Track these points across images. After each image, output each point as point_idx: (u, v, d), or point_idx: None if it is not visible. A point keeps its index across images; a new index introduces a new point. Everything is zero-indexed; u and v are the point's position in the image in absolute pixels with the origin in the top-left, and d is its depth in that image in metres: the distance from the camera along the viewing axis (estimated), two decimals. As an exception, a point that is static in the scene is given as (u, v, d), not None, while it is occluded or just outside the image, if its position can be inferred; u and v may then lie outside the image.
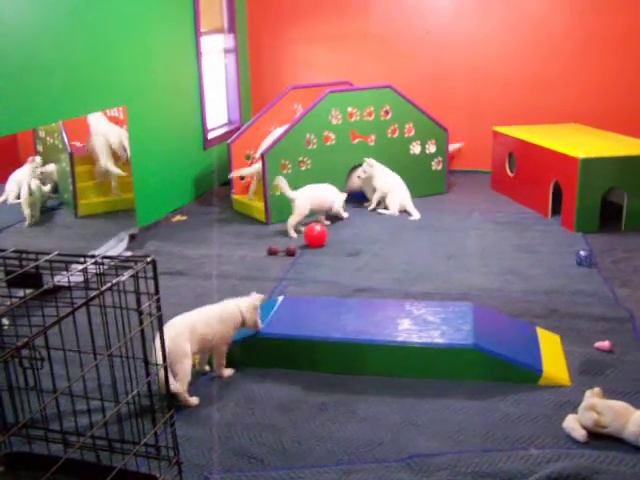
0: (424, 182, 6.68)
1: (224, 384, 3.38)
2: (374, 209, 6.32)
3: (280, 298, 3.97)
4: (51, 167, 5.08)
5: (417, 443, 2.87)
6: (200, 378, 3.43)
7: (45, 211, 5.07)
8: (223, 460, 2.80)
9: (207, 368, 3.50)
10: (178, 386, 3.12)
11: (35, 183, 4.83)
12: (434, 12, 7.47)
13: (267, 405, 3.20)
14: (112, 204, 5.61)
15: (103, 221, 5.53)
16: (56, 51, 4.78)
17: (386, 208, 6.26)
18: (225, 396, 3.28)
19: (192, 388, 3.28)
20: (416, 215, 6.11)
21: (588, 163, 5.38)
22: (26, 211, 4.77)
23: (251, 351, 3.54)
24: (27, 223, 4.81)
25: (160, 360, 2.46)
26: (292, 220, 5.68)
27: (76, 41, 5.00)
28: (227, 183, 6.69)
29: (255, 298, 3.50)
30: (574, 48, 7.20)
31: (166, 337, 2.98)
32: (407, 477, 2.65)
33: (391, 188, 6.24)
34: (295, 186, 5.96)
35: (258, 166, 6.09)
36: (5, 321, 2.78)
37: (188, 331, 3.21)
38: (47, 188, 5.02)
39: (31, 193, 4.78)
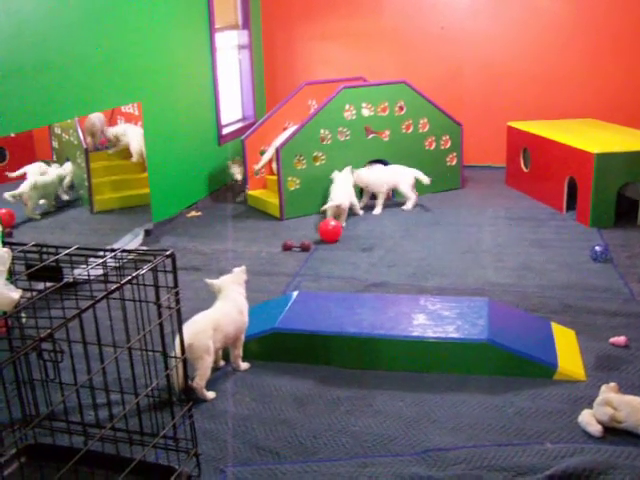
0: (439, 177, 6.66)
1: (240, 379, 3.41)
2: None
3: (295, 293, 3.99)
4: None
5: (432, 437, 2.88)
6: (216, 373, 3.45)
7: (62, 207, 5.12)
8: (239, 453, 2.82)
9: (222, 363, 3.53)
10: (197, 381, 3.16)
11: (42, 179, 4.90)
12: (449, 8, 7.45)
13: (282, 399, 3.22)
14: (127, 200, 5.64)
15: (118, 217, 5.57)
16: (71, 48, 4.81)
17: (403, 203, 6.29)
18: (241, 390, 3.30)
19: (208, 383, 3.31)
20: (425, 179, 6.27)
21: (603, 158, 5.35)
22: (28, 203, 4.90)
23: (267, 346, 3.56)
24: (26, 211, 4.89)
25: (179, 353, 2.49)
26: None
27: (91, 38, 5.02)
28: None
29: (241, 275, 3.56)
30: (588, 43, 7.16)
31: (189, 333, 3.05)
32: (422, 471, 2.66)
33: (391, 181, 6.28)
34: (309, 182, 5.99)
35: (271, 150, 6.41)
36: (23, 314, 2.81)
37: (211, 328, 3.24)
38: (66, 181, 5.11)
39: (35, 187, 4.86)
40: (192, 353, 3.13)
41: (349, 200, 5.86)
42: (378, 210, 6.19)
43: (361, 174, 6.18)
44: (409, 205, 6.22)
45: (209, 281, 3.47)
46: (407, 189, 6.22)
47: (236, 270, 3.56)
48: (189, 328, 3.14)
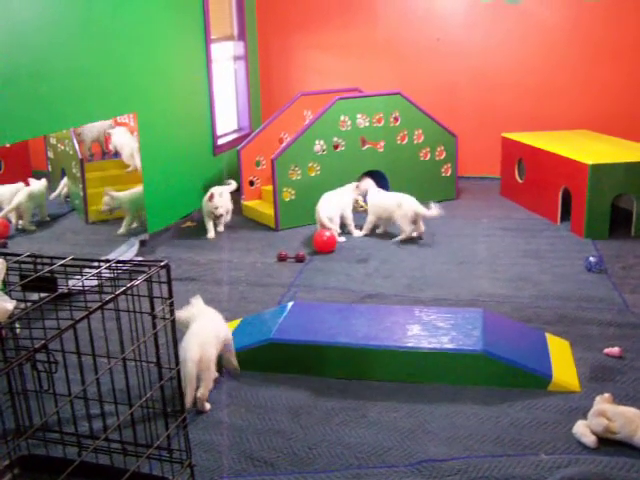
0: (433, 188, 6.68)
1: (234, 389, 3.40)
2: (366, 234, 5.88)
3: (290, 304, 3.99)
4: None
5: (427, 448, 2.88)
6: (211, 383, 3.45)
7: (56, 217, 5.13)
8: (234, 464, 2.82)
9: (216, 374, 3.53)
10: (203, 391, 3.18)
11: (36, 188, 4.92)
12: (444, 19, 7.49)
13: (277, 410, 3.21)
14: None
15: (113, 227, 5.56)
16: (67, 59, 4.82)
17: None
18: (235, 401, 3.30)
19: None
20: (426, 212, 5.59)
21: (597, 169, 5.38)
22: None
23: (262, 356, 3.56)
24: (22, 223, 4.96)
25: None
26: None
27: (87, 49, 5.03)
28: (237, 190, 6.71)
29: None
30: (583, 55, 7.20)
31: (195, 344, 3.10)
32: (417, 482, 2.66)
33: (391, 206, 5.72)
34: (304, 192, 6.00)
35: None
36: (17, 324, 2.81)
37: (214, 337, 3.29)
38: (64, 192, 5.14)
39: (31, 197, 4.90)
40: (201, 365, 3.16)
41: (334, 214, 5.68)
42: (359, 233, 5.86)
43: (369, 195, 5.88)
44: (399, 237, 5.63)
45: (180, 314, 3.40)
46: (402, 221, 5.61)
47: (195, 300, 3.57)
48: (193, 341, 3.18)
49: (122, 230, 5.59)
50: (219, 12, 7.29)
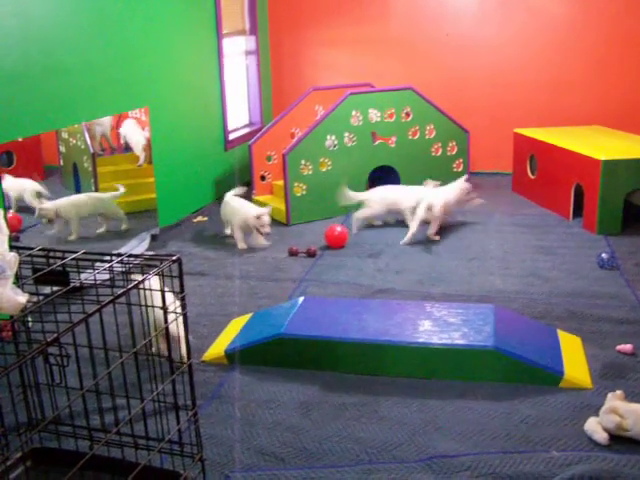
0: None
1: (245, 384, 3.41)
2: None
3: (301, 299, 3.99)
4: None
5: (437, 444, 2.88)
6: (221, 379, 3.46)
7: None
8: (244, 459, 2.82)
9: None
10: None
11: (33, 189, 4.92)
12: (455, 15, 7.46)
13: (288, 405, 3.22)
14: (134, 204, 5.65)
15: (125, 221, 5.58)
16: (79, 53, 4.83)
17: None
18: (246, 396, 3.30)
19: (213, 387, 3.35)
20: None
21: (610, 165, 5.34)
22: None
23: (272, 351, 3.56)
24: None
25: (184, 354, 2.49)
26: (360, 214, 5.75)
27: (100, 43, 5.05)
28: (248, 184, 6.72)
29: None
30: (595, 50, 7.16)
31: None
32: (427, 478, 2.66)
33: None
34: (316, 188, 6.00)
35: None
36: (29, 318, 2.82)
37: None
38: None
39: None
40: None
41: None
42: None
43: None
44: (405, 239, 5.47)
45: None
46: (407, 215, 5.63)
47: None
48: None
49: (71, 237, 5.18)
50: (231, 7, 7.30)
